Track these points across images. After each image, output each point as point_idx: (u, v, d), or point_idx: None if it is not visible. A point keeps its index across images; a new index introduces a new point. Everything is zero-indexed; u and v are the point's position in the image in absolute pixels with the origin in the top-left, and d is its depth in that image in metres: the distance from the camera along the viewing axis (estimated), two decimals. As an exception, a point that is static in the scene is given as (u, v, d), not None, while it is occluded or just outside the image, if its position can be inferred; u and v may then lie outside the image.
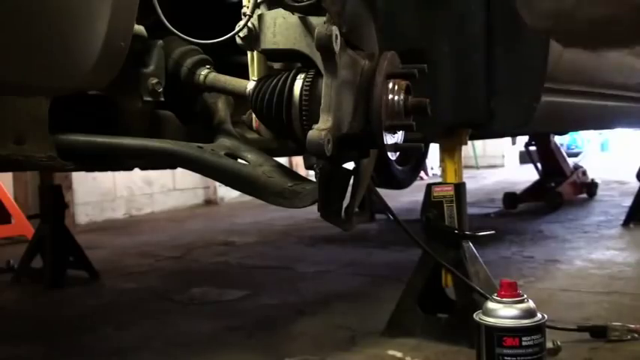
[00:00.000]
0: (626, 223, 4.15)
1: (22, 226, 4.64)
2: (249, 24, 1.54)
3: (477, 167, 10.93)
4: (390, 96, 1.56)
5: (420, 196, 2.33)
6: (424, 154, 5.13)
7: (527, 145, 5.93)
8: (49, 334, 2.38)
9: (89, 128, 1.57)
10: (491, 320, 1.57)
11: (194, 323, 2.40)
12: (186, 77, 1.74)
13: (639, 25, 1.23)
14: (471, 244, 2.05)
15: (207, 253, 3.99)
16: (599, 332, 1.94)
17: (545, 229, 4.21)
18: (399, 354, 1.91)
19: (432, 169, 9.31)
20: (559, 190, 5.31)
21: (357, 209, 2.76)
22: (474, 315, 1.63)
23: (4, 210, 4.65)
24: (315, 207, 1.55)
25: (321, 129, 1.42)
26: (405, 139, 1.66)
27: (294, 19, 1.52)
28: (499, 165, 11.09)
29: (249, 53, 1.70)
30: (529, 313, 1.57)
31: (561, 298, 2.49)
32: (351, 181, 1.74)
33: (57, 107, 1.47)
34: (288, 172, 1.64)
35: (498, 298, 1.59)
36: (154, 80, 1.64)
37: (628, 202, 4.43)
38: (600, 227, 4.17)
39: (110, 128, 1.62)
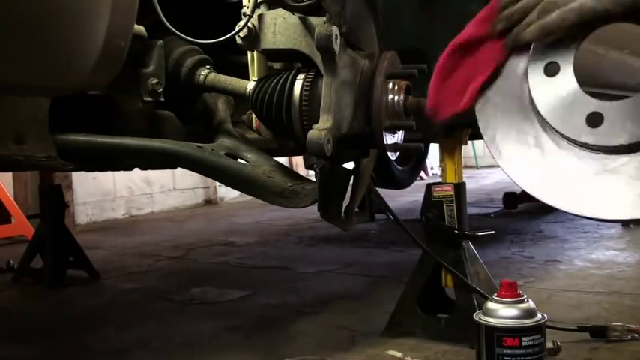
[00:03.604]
0: (626, 223, 4.14)
1: (22, 226, 4.64)
2: (249, 24, 1.54)
3: (477, 167, 10.94)
4: (390, 96, 1.56)
5: (420, 196, 2.32)
6: (424, 154, 5.13)
7: (527, 145, 5.92)
8: (49, 334, 2.38)
9: (89, 128, 1.57)
10: (491, 320, 1.57)
11: (194, 323, 2.40)
12: (186, 77, 1.74)
13: None
14: (470, 244, 2.05)
15: (207, 253, 3.99)
16: (599, 332, 1.94)
17: (545, 229, 4.21)
18: (399, 354, 1.91)
19: (432, 169, 9.32)
20: (559, 190, 5.30)
21: (357, 209, 2.77)
22: (474, 315, 1.63)
23: (4, 210, 4.65)
24: (315, 207, 1.55)
25: (321, 129, 1.43)
26: (405, 139, 1.66)
27: (294, 19, 1.52)
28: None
29: (249, 53, 1.70)
30: (529, 313, 1.56)
31: (561, 298, 2.49)
32: (351, 181, 1.74)
33: (57, 107, 1.47)
34: (288, 172, 1.64)
35: (498, 298, 1.59)
36: (154, 80, 1.64)
37: (628, 202, 4.43)
38: (600, 227, 4.16)
39: (110, 128, 1.62)
